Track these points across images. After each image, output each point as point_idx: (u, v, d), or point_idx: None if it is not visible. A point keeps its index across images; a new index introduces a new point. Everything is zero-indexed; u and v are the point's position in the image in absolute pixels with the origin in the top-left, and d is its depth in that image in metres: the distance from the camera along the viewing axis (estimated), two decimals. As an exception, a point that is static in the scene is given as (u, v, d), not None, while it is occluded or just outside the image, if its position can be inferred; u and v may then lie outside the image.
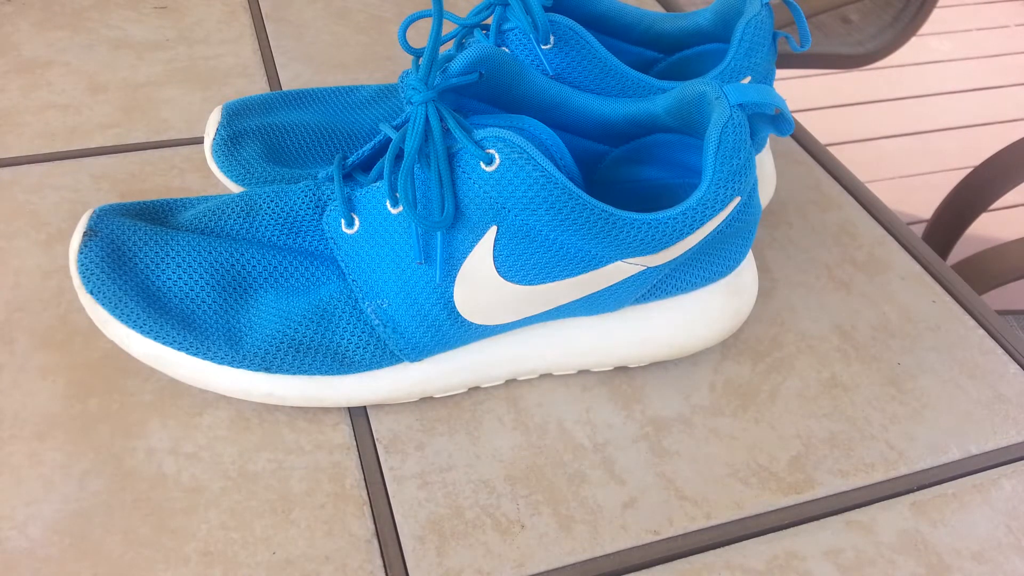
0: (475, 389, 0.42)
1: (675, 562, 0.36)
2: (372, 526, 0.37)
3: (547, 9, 0.42)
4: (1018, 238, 0.71)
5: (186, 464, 0.38)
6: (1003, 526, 0.39)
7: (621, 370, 0.43)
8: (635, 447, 0.40)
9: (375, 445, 0.39)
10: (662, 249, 0.36)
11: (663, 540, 0.37)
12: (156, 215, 0.40)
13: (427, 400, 0.41)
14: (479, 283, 0.36)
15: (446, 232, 0.36)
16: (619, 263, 0.36)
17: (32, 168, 0.52)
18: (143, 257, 0.38)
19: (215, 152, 0.46)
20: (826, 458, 0.41)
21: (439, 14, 0.34)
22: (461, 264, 0.36)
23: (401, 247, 0.37)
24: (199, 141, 0.55)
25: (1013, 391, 0.45)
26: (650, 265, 0.37)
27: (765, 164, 0.50)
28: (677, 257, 0.37)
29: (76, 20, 0.65)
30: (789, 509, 0.39)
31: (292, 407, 0.40)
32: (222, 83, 0.60)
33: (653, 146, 0.42)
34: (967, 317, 0.49)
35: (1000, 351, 0.47)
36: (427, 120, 0.34)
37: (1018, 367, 0.46)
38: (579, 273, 0.37)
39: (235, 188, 0.45)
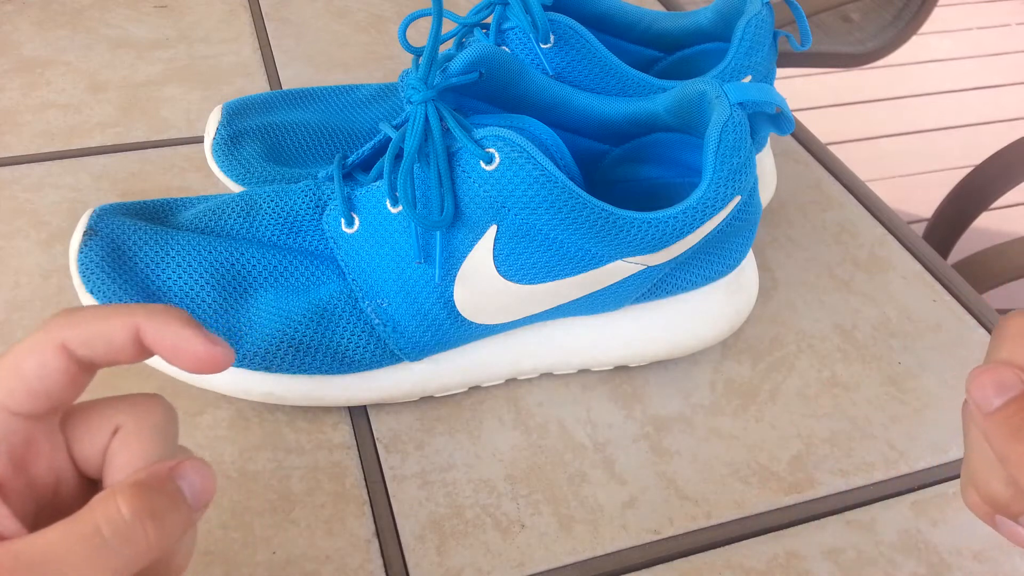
0: (475, 389, 0.42)
1: (675, 561, 0.36)
2: (372, 526, 0.37)
3: (547, 8, 0.42)
4: (1019, 237, 0.71)
5: (186, 464, 0.38)
6: (1004, 525, 0.39)
7: (621, 369, 0.43)
8: (635, 446, 0.40)
9: (375, 445, 0.39)
10: (662, 248, 0.36)
11: (663, 540, 0.37)
12: (156, 215, 0.40)
13: (427, 400, 0.41)
14: (479, 282, 0.36)
15: (446, 231, 0.36)
16: (619, 262, 0.36)
17: (32, 167, 0.52)
18: (143, 257, 0.37)
19: (215, 151, 0.46)
20: (827, 458, 0.41)
21: (439, 13, 0.34)
22: (461, 263, 0.36)
23: (401, 246, 0.37)
24: (199, 140, 0.54)
25: (1014, 390, 0.45)
26: (650, 264, 0.37)
27: (765, 163, 0.50)
28: (677, 256, 0.37)
29: (76, 19, 0.65)
30: (789, 508, 0.39)
31: (292, 407, 0.40)
32: (222, 82, 0.60)
33: (653, 145, 0.42)
34: (968, 316, 0.49)
35: (1001, 350, 0.47)
36: (427, 119, 0.34)
37: (1019, 366, 0.46)
38: (579, 272, 0.36)
39: (235, 187, 0.45)
